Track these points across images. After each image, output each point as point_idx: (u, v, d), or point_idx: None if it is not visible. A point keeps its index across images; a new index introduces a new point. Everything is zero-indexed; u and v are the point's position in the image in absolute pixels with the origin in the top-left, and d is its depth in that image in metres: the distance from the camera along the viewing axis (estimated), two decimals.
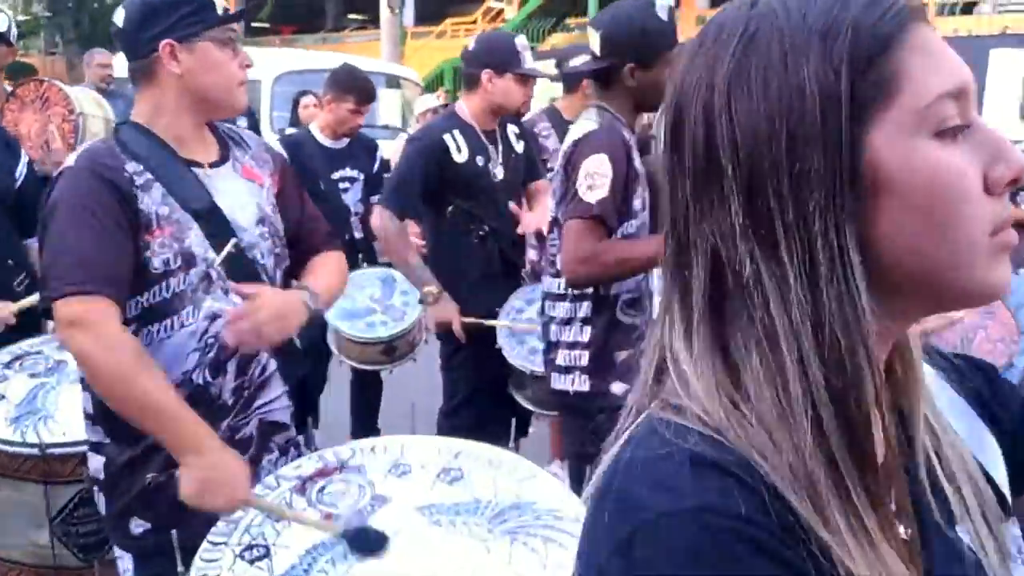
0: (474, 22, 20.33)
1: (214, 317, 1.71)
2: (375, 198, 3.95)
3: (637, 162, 2.30)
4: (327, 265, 1.95)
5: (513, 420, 3.54)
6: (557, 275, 2.42)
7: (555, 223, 2.42)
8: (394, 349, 3.60)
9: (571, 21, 17.93)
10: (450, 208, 3.14)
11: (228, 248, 1.71)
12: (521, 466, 1.70)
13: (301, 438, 1.95)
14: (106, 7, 17.63)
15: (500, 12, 20.50)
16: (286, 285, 1.88)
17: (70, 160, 1.70)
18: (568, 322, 2.43)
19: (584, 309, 2.39)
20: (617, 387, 2.37)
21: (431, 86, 14.89)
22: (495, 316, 3.18)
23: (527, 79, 3.17)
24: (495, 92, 3.09)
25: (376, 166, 4.10)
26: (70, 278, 1.57)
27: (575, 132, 2.32)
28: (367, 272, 3.75)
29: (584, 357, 2.40)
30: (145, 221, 1.65)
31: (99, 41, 9.50)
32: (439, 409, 3.36)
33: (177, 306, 1.68)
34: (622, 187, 2.24)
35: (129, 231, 1.62)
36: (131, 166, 1.67)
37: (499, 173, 3.19)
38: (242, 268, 1.74)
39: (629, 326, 2.41)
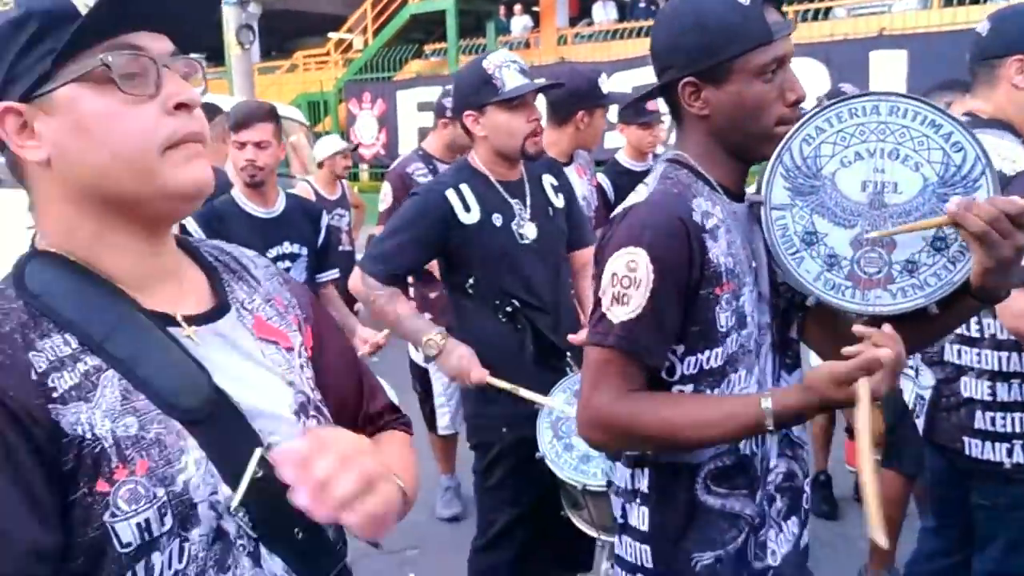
0: (327, 54, 19.52)
1: None
2: (325, 276, 3.33)
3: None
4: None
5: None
6: None
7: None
8: None
9: (428, 47, 17.43)
10: (470, 279, 2.57)
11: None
12: None
13: None
14: None
15: (351, 43, 19.78)
16: None
17: None
18: None
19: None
20: None
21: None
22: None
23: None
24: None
25: (322, 237, 3.30)
26: None
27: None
28: None
29: None
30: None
31: None
32: (472, 543, 2.78)
33: None
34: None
35: None
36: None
37: (529, 233, 2.61)
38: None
39: None
